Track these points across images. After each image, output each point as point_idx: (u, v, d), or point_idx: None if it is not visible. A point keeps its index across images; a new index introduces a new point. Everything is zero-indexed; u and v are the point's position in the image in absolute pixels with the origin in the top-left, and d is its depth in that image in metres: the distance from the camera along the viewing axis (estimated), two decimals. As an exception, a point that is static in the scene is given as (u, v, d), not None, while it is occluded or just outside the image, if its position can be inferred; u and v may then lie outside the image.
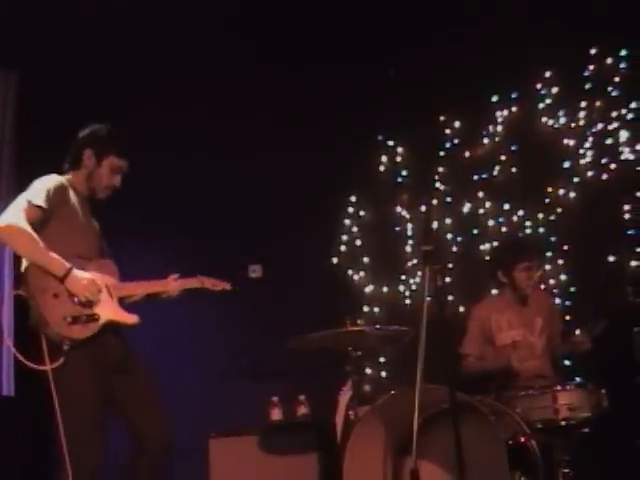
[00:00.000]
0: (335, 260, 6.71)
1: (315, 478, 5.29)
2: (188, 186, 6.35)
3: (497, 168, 6.53)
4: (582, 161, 6.31)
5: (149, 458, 4.09)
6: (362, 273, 6.72)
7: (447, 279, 6.26)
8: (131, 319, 4.16)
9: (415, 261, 6.56)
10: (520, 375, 5.24)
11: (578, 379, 5.03)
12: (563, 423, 4.75)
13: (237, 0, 6.21)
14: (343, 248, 6.76)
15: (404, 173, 6.75)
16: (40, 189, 4.06)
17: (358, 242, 6.77)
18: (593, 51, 6.30)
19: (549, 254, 6.25)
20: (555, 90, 6.42)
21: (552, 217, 6.35)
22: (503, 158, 6.52)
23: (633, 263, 5.85)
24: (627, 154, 6.19)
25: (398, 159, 6.79)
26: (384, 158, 6.80)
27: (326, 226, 6.59)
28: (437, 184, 6.63)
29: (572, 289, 6.19)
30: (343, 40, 6.36)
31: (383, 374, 6.48)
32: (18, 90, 6.37)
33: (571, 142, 6.36)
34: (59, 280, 3.95)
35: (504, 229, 6.46)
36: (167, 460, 4.14)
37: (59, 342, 3.91)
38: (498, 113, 6.57)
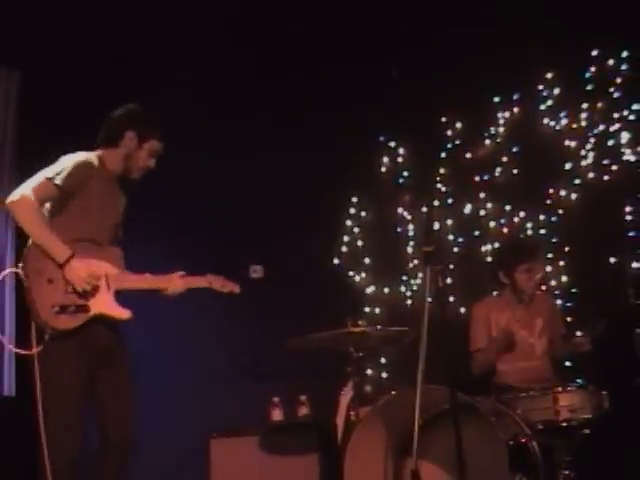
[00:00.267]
0: (336, 261, 6.72)
1: (316, 479, 5.30)
2: (188, 186, 6.35)
3: (498, 169, 6.53)
4: (583, 162, 6.31)
5: (112, 455, 4.06)
6: (363, 274, 6.73)
7: (448, 280, 6.26)
8: (123, 314, 4.10)
9: (416, 262, 6.56)
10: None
11: (579, 380, 5.03)
12: (564, 424, 4.76)
13: (237, 0, 6.22)
14: (344, 249, 6.76)
15: (405, 174, 6.76)
16: (63, 167, 4.04)
17: (359, 243, 6.77)
18: (594, 52, 6.30)
19: (550, 255, 6.24)
20: (557, 91, 6.42)
21: (553, 218, 6.35)
22: (504, 159, 6.52)
23: (634, 265, 5.85)
24: (628, 155, 6.19)
25: (399, 160, 6.79)
26: (385, 159, 6.80)
27: (327, 227, 6.60)
28: (438, 185, 6.63)
29: (573, 290, 6.18)
30: (344, 40, 6.36)
31: (384, 375, 6.48)
32: (20, 88, 6.37)
33: (572, 143, 6.35)
34: (58, 266, 3.93)
35: (505, 230, 6.45)
36: (127, 459, 4.11)
37: (44, 330, 3.90)
38: (499, 114, 6.57)
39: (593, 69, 6.32)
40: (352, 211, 6.80)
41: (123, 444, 4.08)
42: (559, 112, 6.42)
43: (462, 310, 6.16)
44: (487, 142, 6.60)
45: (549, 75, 6.42)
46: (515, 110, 6.54)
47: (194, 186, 6.38)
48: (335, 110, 6.35)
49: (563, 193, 6.33)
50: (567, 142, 6.36)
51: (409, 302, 6.58)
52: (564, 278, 6.24)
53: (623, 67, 6.27)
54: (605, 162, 6.24)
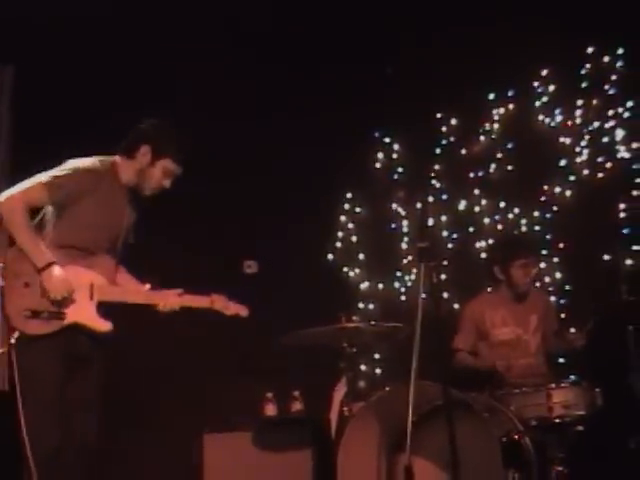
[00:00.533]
0: (330, 256, 6.71)
1: (309, 474, 5.30)
2: (183, 181, 6.33)
3: (493, 166, 6.54)
4: (578, 159, 6.31)
5: (80, 458, 4.01)
6: (357, 270, 6.72)
7: (442, 276, 6.24)
8: (102, 326, 4.07)
9: (410, 258, 6.55)
10: (507, 376, 5.23)
11: (573, 377, 5.04)
12: (557, 421, 4.77)
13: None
14: (339, 245, 6.76)
15: (400, 170, 6.75)
16: (63, 174, 4.02)
17: (354, 239, 6.76)
18: (590, 49, 6.30)
19: (544, 252, 6.25)
20: (552, 88, 6.43)
21: (548, 215, 6.35)
22: (499, 156, 6.52)
23: (628, 262, 5.85)
24: (623, 152, 6.20)
25: (394, 156, 6.78)
26: (380, 155, 6.79)
27: (322, 222, 6.59)
28: (433, 181, 6.63)
29: (567, 287, 6.19)
30: (340, 38, 6.35)
31: (378, 371, 6.48)
32: (14, 82, 6.35)
33: (567, 140, 6.36)
34: (37, 270, 3.92)
35: (500, 227, 6.46)
36: (90, 462, 4.06)
37: (12, 331, 3.89)
38: (494, 111, 6.57)
39: (588, 66, 6.33)
40: (346, 207, 6.80)
41: (84, 447, 4.03)
42: (554, 109, 6.42)
43: (456, 306, 6.17)
44: (482, 138, 6.60)
45: (544, 72, 6.42)
46: (510, 107, 6.54)
47: (189, 181, 6.35)
48: (330, 107, 6.34)
49: (558, 190, 6.33)
50: (562, 139, 6.37)
51: (403, 298, 6.58)
52: (558, 275, 6.25)
53: (618, 64, 6.28)
54: (600, 159, 6.25)
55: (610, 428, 5.14)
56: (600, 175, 6.23)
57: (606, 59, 6.29)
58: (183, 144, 4.25)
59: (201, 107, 6.25)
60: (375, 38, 6.32)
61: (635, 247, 5.97)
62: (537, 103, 6.46)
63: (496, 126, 6.57)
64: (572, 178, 6.31)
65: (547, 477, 4.62)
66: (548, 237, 6.31)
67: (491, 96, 6.56)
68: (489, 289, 5.87)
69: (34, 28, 5.94)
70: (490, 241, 6.38)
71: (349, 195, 6.80)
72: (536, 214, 6.37)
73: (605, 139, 6.26)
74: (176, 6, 6.15)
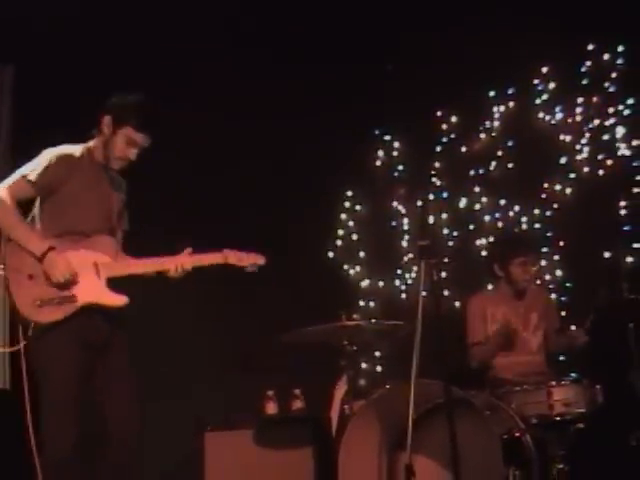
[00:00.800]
0: (331, 254, 6.71)
1: (310, 472, 5.30)
2: (184, 180, 6.34)
3: (493, 163, 6.54)
4: (578, 157, 6.32)
5: (113, 453, 3.96)
6: (358, 267, 6.72)
7: (443, 274, 6.26)
8: (117, 300, 4.01)
9: (411, 256, 6.56)
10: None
11: (573, 375, 5.04)
12: (558, 418, 4.77)
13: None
14: (339, 242, 6.76)
15: (400, 168, 6.75)
16: (40, 163, 4.01)
17: (354, 236, 6.77)
18: (590, 47, 6.31)
19: (545, 250, 6.25)
20: (552, 86, 6.43)
21: (548, 213, 6.36)
22: (500, 153, 6.52)
23: (629, 259, 5.86)
24: (623, 150, 6.21)
25: (395, 154, 6.78)
26: (381, 152, 6.80)
27: (322, 220, 6.59)
28: (433, 179, 6.63)
29: (568, 285, 6.19)
30: (341, 35, 6.35)
31: (378, 369, 6.49)
32: (14, 81, 6.35)
33: (568, 138, 6.36)
34: (37, 259, 3.90)
35: (500, 224, 6.46)
36: (129, 458, 3.99)
37: (27, 326, 3.88)
38: (495, 108, 6.58)
39: (589, 63, 6.33)
40: (347, 205, 6.80)
41: (124, 442, 3.97)
42: (554, 106, 6.42)
43: (457, 304, 6.17)
44: (482, 136, 6.60)
45: (544, 69, 6.42)
46: (510, 104, 6.54)
47: (191, 180, 6.37)
48: (331, 104, 6.33)
49: (558, 187, 6.34)
50: (562, 136, 6.37)
51: (404, 296, 6.58)
52: (558, 272, 6.25)
53: (619, 61, 6.28)
54: (600, 157, 6.25)
55: (611, 426, 5.13)
56: (600, 172, 6.24)
57: (606, 56, 6.30)
58: (143, 111, 4.14)
59: (202, 107, 6.25)
60: (375, 36, 6.32)
61: (636, 245, 5.98)
62: (537, 101, 6.46)
63: (496, 124, 6.57)
64: (572, 175, 6.32)
65: (548, 475, 4.62)
66: (549, 235, 6.31)
67: (491, 94, 6.56)
68: (489, 286, 5.87)
69: (34, 28, 5.94)
70: (490, 239, 6.37)
71: (349, 193, 6.80)
72: (536, 212, 6.38)
73: (605, 136, 6.26)
74: (176, 6, 6.15)
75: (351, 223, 6.79)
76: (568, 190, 6.31)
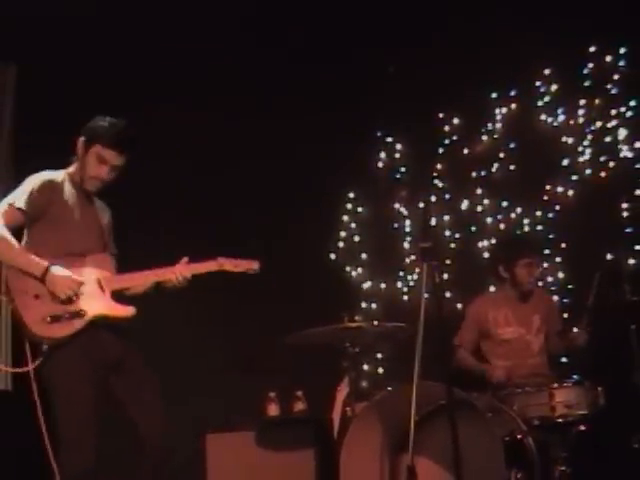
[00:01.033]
0: (333, 256, 6.71)
1: (312, 474, 5.30)
2: (187, 181, 6.34)
3: (496, 165, 6.53)
4: (581, 159, 6.31)
5: (149, 459, 4.01)
6: (360, 269, 6.72)
7: (445, 276, 6.26)
8: (125, 311, 4.06)
9: (413, 258, 6.56)
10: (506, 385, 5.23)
11: (575, 377, 5.04)
12: (560, 420, 4.77)
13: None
14: (341, 244, 6.76)
15: (402, 170, 6.75)
16: (24, 191, 4.05)
17: (356, 238, 6.76)
18: (592, 49, 6.30)
19: (547, 252, 6.25)
20: (554, 88, 6.42)
21: (550, 215, 6.35)
22: (502, 155, 6.52)
23: (631, 261, 5.85)
24: (626, 152, 6.19)
25: (397, 155, 6.78)
26: (383, 154, 6.79)
27: (324, 222, 6.59)
28: (435, 181, 6.63)
29: (570, 287, 6.19)
30: (343, 36, 6.35)
31: (380, 370, 6.48)
32: (17, 81, 6.35)
33: (570, 140, 6.36)
34: (40, 280, 3.93)
35: (502, 226, 6.46)
36: (166, 461, 4.05)
37: (39, 343, 3.90)
38: (497, 110, 6.57)
39: (591, 65, 6.32)
40: (349, 206, 6.80)
41: (160, 448, 4.02)
42: (556, 108, 6.42)
43: (459, 306, 6.16)
44: (484, 138, 6.60)
45: (547, 71, 6.42)
46: (512, 106, 6.53)
47: (193, 181, 6.37)
48: (332, 106, 6.34)
49: (560, 189, 6.33)
50: (564, 138, 6.36)
51: (406, 298, 6.57)
52: (561, 274, 6.25)
53: (621, 63, 6.27)
54: (602, 159, 6.24)
55: (613, 427, 5.13)
56: (603, 174, 6.23)
57: (608, 58, 6.29)
58: (112, 129, 4.16)
59: (202, 107, 6.25)
60: (377, 37, 6.32)
61: (638, 247, 5.97)
62: (540, 102, 6.46)
63: (498, 125, 6.57)
64: (575, 177, 6.31)
65: (550, 477, 4.62)
66: (551, 237, 6.30)
67: (493, 95, 6.56)
68: (492, 288, 5.87)
69: (36, 27, 5.94)
70: (493, 241, 6.37)
71: (351, 194, 6.80)
72: (539, 214, 6.37)
73: (608, 138, 6.25)
74: (177, 5, 6.15)
75: (353, 225, 6.78)
76: (570, 192, 6.31)
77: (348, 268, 6.72)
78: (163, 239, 6.01)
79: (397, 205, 6.72)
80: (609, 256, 5.96)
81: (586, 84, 6.34)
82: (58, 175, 4.18)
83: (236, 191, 6.38)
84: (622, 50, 6.26)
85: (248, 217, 6.33)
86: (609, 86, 6.28)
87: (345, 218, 6.79)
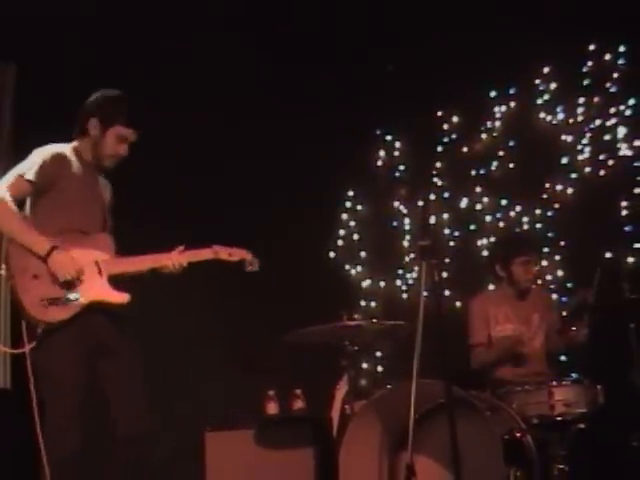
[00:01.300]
0: (332, 254, 6.72)
1: (311, 472, 5.29)
2: (186, 179, 6.34)
3: (495, 163, 6.54)
4: (580, 157, 6.32)
5: (123, 451, 3.97)
6: (359, 267, 6.73)
7: (444, 274, 6.26)
8: (119, 298, 4.04)
9: (412, 256, 6.56)
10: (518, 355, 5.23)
11: (574, 375, 5.04)
12: (559, 419, 4.76)
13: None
14: (340, 242, 6.77)
15: (402, 168, 6.76)
16: (34, 162, 4.01)
17: (355, 236, 6.77)
18: (592, 47, 6.31)
19: (546, 250, 6.25)
20: (553, 86, 6.43)
21: (550, 213, 6.36)
22: (501, 153, 6.53)
23: (630, 259, 5.86)
24: (625, 150, 6.20)
25: (396, 154, 6.79)
26: (382, 152, 6.80)
27: (323, 220, 6.60)
28: (435, 179, 6.63)
29: (569, 285, 6.19)
30: (341, 35, 6.35)
31: (379, 369, 6.49)
32: (16, 80, 6.35)
33: (569, 138, 6.36)
34: (41, 260, 3.90)
35: (501, 224, 6.46)
36: (141, 450, 4.01)
37: (34, 325, 3.88)
38: (496, 108, 6.58)
39: (590, 64, 6.33)
40: (348, 205, 6.80)
41: (135, 439, 3.98)
42: (556, 106, 6.42)
43: (458, 304, 6.17)
44: (483, 136, 6.61)
45: (546, 69, 6.42)
46: (512, 104, 6.54)
47: (192, 179, 6.37)
48: (332, 104, 6.34)
49: (559, 187, 6.34)
50: (564, 137, 6.37)
51: (405, 296, 6.58)
52: (560, 272, 6.25)
53: (620, 62, 6.28)
54: (602, 157, 6.25)
55: (612, 426, 5.14)
56: (602, 173, 6.23)
57: (608, 57, 6.30)
58: (128, 107, 4.19)
59: (203, 106, 6.25)
60: (376, 35, 6.32)
61: (637, 245, 5.98)
62: (539, 101, 6.47)
63: (498, 124, 6.58)
64: (574, 176, 6.32)
65: (549, 475, 4.62)
66: (550, 235, 6.31)
67: (493, 94, 6.57)
68: (491, 287, 5.87)
69: (36, 26, 5.94)
70: (492, 239, 6.37)
71: (351, 193, 6.80)
72: (538, 212, 6.38)
73: (607, 137, 6.26)
74: (177, 5, 6.15)
75: (352, 223, 6.79)
76: (569, 190, 6.31)
77: (347, 266, 6.73)
78: (163, 239, 6.01)
79: (396, 203, 6.73)
80: (608, 254, 5.96)
81: (585, 82, 6.35)
82: (65, 149, 4.14)
83: (236, 190, 6.38)
84: (621, 48, 6.27)
85: (248, 216, 6.33)
86: (608, 84, 6.29)
87: (344, 216, 6.80)
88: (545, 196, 6.37)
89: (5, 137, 6.32)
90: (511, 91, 6.53)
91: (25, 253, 3.92)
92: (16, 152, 6.18)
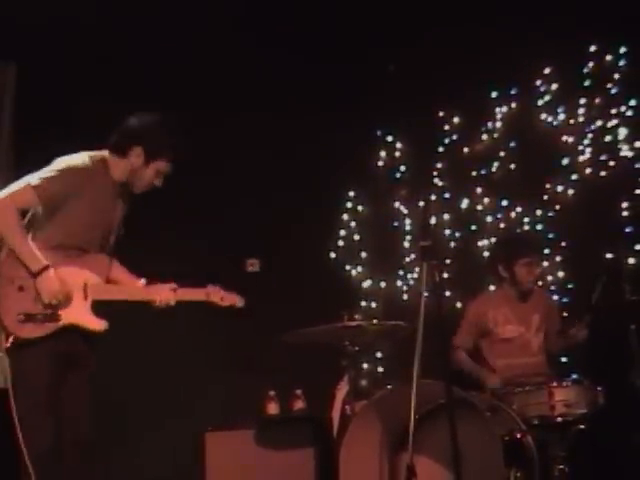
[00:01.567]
0: (333, 255, 6.71)
1: (311, 472, 5.29)
2: (187, 179, 6.33)
3: (496, 164, 6.53)
4: (581, 158, 6.31)
5: (69, 455, 3.96)
6: (360, 268, 6.72)
7: (445, 275, 6.26)
8: (97, 325, 4.04)
9: (413, 256, 6.56)
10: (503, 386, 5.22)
11: (574, 376, 5.04)
12: (559, 419, 4.77)
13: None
14: (341, 243, 6.76)
15: (402, 168, 6.75)
16: (52, 175, 3.97)
17: (356, 237, 6.76)
18: (593, 48, 6.31)
19: (547, 251, 6.24)
20: (554, 87, 6.43)
21: (550, 214, 6.36)
22: (502, 154, 6.52)
23: (631, 260, 5.85)
24: (626, 151, 6.20)
25: (397, 154, 6.78)
26: (383, 153, 6.79)
27: (324, 221, 6.59)
28: (435, 180, 6.63)
29: (569, 286, 6.19)
30: (342, 35, 6.35)
31: (380, 369, 6.48)
32: (17, 80, 6.36)
33: (570, 139, 6.36)
34: (31, 275, 3.90)
35: (502, 225, 6.46)
36: (85, 460, 4.00)
37: (7, 335, 3.89)
38: (497, 109, 6.57)
39: (591, 64, 6.33)
40: (349, 205, 6.80)
41: (78, 444, 3.99)
42: (557, 107, 6.42)
43: (459, 305, 6.16)
44: (484, 137, 6.60)
45: (547, 70, 6.42)
46: (513, 105, 6.53)
47: (193, 179, 6.36)
48: (333, 104, 6.33)
49: (560, 188, 6.33)
50: (564, 137, 6.37)
51: (405, 297, 6.57)
52: (560, 273, 6.25)
53: (621, 63, 6.28)
54: (602, 158, 6.25)
55: (612, 427, 5.14)
56: (603, 174, 6.23)
57: (609, 57, 6.29)
58: (177, 144, 4.16)
59: (203, 106, 6.25)
60: (377, 35, 6.32)
61: (638, 246, 5.97)
62: (540, 101, 6.46)
63: (499, 124, 6.57)
64: (575, 177, 6.31)
65: (549, 476, 4.63)
66: (550, 236, 6.31)
67: (494, 94, 6.56)
68: (492, 287, 5.87)
69: (36, 26, 5.94)
70: (492, 240, 6.37)
71: (351, 193, 6.79)
72: (539, 213, 6.37)
73: (608, 138, 6.26)
74: (177, 5, 6.15)
75: (353, 224, 6.78)
76: (570, 191, 6.31)
77: (348, 267, 6.72)
78: (163, 239, 6.02)
79: (397, 204, 6.72)
80: (609, 255, 5.96)
81: (586, 83, 6.35)
82: (94, 162, 4.08)
83: (236, 190, 6.37)
84: (622, 49, 6.27)
85: (248, 216, 6.33)
86: (609, 85, 6.28)
87: (345, 217, 6.79)
88: (546, 197, 6.36)
89: (5, 137, 6.32)
90: (512, 92, 6.52)
91: (17, 264, 3.91)
92: (16, 152, 6.20)
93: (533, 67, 6.39)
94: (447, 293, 6.21)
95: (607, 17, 5.92)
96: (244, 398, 5.84)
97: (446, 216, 6.58)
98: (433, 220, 6.33)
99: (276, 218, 6.32)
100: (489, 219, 6.50)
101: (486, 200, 6.53)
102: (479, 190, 6.55)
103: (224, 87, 6.35)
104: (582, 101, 6.34)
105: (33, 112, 6.15)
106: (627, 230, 6.04)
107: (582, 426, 4.84)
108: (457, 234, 6.57)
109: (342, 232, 6.77)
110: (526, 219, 6.40)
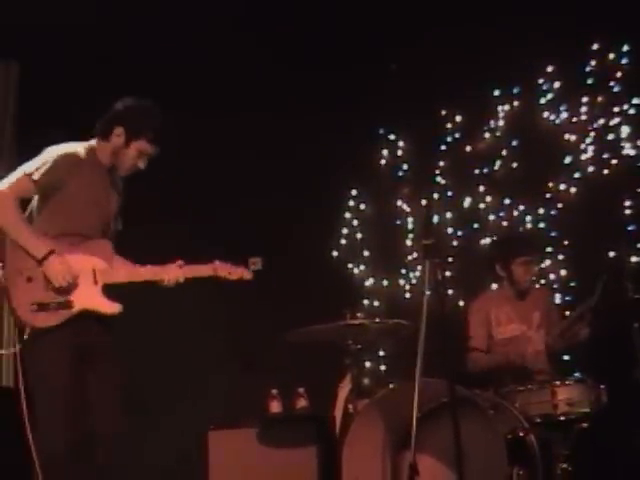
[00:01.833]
0: (335, 253, 6.71)
1: (314, 471, 5.29)
2: (189, 178, 6.34)
3: (498, 163, 6.53)
4: (583, 156, 6.31)
5: (98, 454, 3.95)
6: (362, 266, 6.72)
7: (447, 273, 6.26)
8: (111, 308, 4.02)
9: (415, 255, 6.56)
10: (522, 365, 5.23)
11: (577, 374, 5.03)
12: (562, 418, 4.76)
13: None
14: (343, 241, 6.76)
15: (405, 167, 6.75)
16: (44, 162, 3.97)
17: (358, 235, 6.77)
18: (595, 46, 6.30)
19: (549, 249, 6.24)
20: (557, 85, 6.42)
21: (553, 212, 6.35)
22: (504, 153, 6.52)
23: (633, 259, 5.85)
24: (628, 150, 6.19)
25: (399, 153, 6.78)
26: (385, 152, 6.80)
27: (327, 219, 6.60)
28: (438, 178, 6.63)
29: (572, 284, 6.19)
30: (345, 33, 6.35)
31: (382, 367, 6.48)
32: (20, 79, 6.36)
33: (572, 137, 6.35)
34: (37, 263, 3.88)
35: (505, 224, 6.46)
36: (107, 458, 3.98)
37: (22, 328, 3.88)
38: (499, 107, 6.57)
39: (593, 63, 6.32)
40: (351, 204, 6.80)
41: (108, 442, 3.98)
42: (559, 106, 6.42)
43: (461, 303, 6.17)
44: (487, 135, 6.60)
45: (549, 69, 6.42)
46: (515, 103, 6.53)
47: (195, 178, 6.37)
48: (336, 103, 6.34)
49: (563, 187, 6.33)
50: (567, 136, 6.36)
51: (408, 295, 6.58)
52: (563, 272, 6.24)
53: (623, 61, 6.27)
54: (605, 156, 6.24)
55: (615, 425, 5.13)
56: (605, 172, 6.22)
57: (611, 56, 6.28)
58: (158, 124, 4.15)
59: (204, 106, 6.26)
60: (379, 35, 6.32)
61: (640, 244, 5.97)
62: (542, 100, 6.46)
63: (501, 123, 6.57)
64: (577, 175, 6.31)
65: (552, 474, 4.62)
66: (553, 234, 6.30)
67: (496, 93, 6.56)
68: (493, 286, 5.86)
69: (39, 26, 5.95)
70: (495, 238, 6.37)
71: (354, 192, 6.80)
72: (541, 211, 6.37)
73: (610, 136, 6.25)
74: (177, 5, 6.15)
75: (355, 222, 6.79)
76: (573, 190, 6.30)
77: (350, 265, 6.73)
78: (163, 239, 6.02)
79: (399, 202, 6.72)
80: (611, 254, 5.95)
81: (589, 82, 6.34)
82: (80, 149, 4.10)
83: (239, 188, 6.38)
84: (625, 48, 6.26)
85: (250, 214, 6.33)
86: (612, 84, 6.27)
87: (347, 215, 6.80)
88: (548, 195, 6.36)
89: (8, 135, 6.33)
90: (514, 90, 6.52)
91: (22, 255, 3.90)
92: (19, 150, 6.21)
93: (535, 65, 6.39)
94: (449, 291, 6.22)
95: (610, 15, 5.92)
96: (247, 396, 5.84)
97: (448, 214, 6.58)
98: (435, 218, 6.33)
99: (278, 217, 6.33)
100: (491, 217, 6.50)
101: (488, 198, 6.53)
102: (481, 188, 6.55)
103: (224, 87, 6.36)
104: (584, 99, 6.33)
105: (35, 111, 6.16)
106: (630, 228, 6.04)
107: (585, 424, 4.83)
108: (459, 232, 6.58)
109: (344, 231, 6.77)
110: (528, 217, 6.40)
